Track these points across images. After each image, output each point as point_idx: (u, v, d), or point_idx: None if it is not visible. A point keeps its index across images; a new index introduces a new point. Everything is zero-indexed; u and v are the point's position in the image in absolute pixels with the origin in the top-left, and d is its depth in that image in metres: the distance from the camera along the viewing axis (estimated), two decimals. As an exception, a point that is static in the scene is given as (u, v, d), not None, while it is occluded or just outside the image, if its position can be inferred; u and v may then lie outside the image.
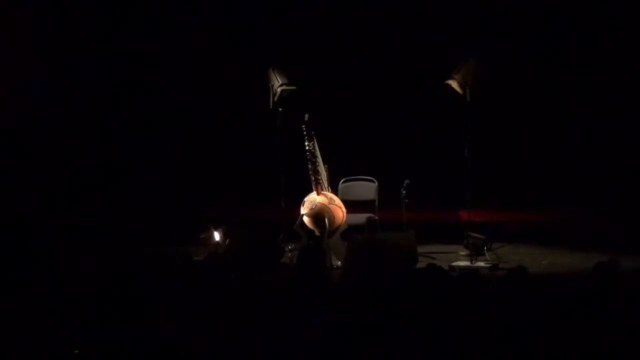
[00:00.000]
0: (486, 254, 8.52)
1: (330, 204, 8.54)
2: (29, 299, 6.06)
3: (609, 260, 5.07)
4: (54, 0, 10.35)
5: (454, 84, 9.04)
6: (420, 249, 8.56)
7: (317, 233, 8.50)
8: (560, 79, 9.86)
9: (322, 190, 8.57)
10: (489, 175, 9.63)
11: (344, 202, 8.77)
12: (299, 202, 8.64)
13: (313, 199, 8.55)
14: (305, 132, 8.37)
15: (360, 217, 9.00)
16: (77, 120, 10.42)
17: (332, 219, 8.50)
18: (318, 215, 8.49)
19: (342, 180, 9.36)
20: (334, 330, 4.66)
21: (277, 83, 9.21)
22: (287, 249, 8.62)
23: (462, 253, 8.77)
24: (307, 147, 8.39)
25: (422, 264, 7.94)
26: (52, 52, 10.30)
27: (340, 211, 8.58)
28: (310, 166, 8.44)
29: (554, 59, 9.85)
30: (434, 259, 8.59)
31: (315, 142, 8.45)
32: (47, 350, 4.91)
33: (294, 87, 9.24)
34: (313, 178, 8.48)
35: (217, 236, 9.00)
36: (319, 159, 8.51)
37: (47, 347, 4.94)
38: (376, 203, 9.25)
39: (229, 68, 10.36)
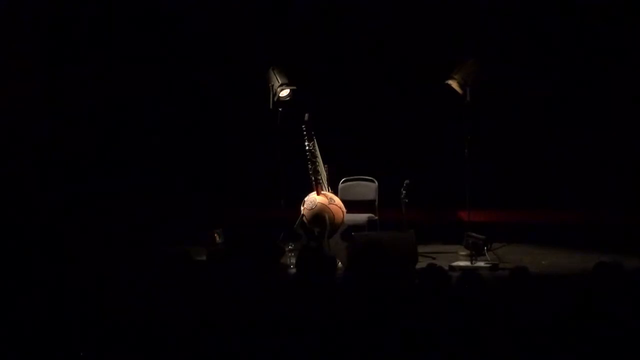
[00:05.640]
0: (486, 254, 8.52)
1: (330, 203, 8.55)
2: (28, 300, 6.05)
3: (612, 261, 5.07)
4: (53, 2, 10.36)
5: (454, 84, 9.04)
6: (420, 249, 8.56)
7: (316, 233, 8.50)
8: (560, 78, 9.86)
9: (322, 190, 8.58)
10: (489, 175, 9.64)
11: (344, 202, 8.77)
12: (299, 202, 8.64)
13: (313, 198, 8.55)
14: (305, 132, 8.37)
15: (360, 217, 9.00)
16: (77, 121, 10.42)
17: (332, 218, 8.50)
18: (318, 215, 8.49)
19: (342, 180, 9.37)
20: (334, 330, 4.66)
21: (277, 83, 9.22)
22: (287, 249, 8.62)
23: (462, 253, 8.77)
24: (307, 147, 8.39)
25: (422, 264, 7.94)
26: (53, 52, 10.32)
27: (340, 211, 8.58)
28: (310, 166, 8.44)
29: (554, 58, 9.85)
30: (434, 259, 8.59)
31: (315, 142, 8.45)
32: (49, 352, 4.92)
33: (294, 87, 9.25)
34: (313, 178, 8.48)
35: (217, 236, 9.00)
36: (319, 159, 8.51)
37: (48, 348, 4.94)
38: (376, 203, 9.26)
39: (229, 68, 10.36)
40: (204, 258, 8.15)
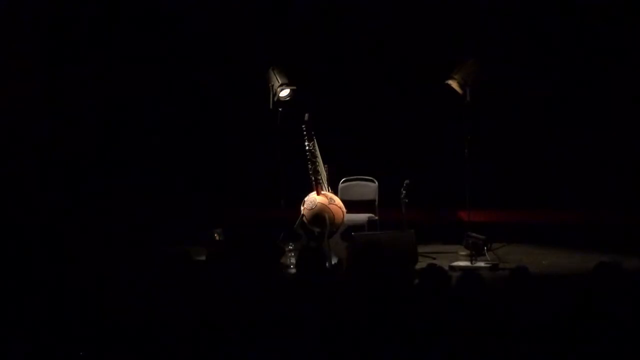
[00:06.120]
0: (486, 254, 8.52)
1: (330, 204, 8.54)
2: (28, 300, 6.06)
3: (612, 261, 5.07)
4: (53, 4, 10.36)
5: (454, 84, 9.03)
6: (420, 249, 8.56)
7: (316, 233, 8.51)
8: (560, 78, 9.85)
9: (322, 190, 8.58)
10: (489, 175, 9.64)
11: (344, 202, 8.77)
12: (299, 202, 8.64)
13: (313, 198, 8.55)
14: (305, 132, 8.37)
15: (360, 217, 9.00)
16: (77, 121, 10.42)
17: (332, 218, 8.50)
18: (318, 215, 8.49)
19: (342, 180, 9.36)
20: (334, 330, 4.66)
21: (277, 83, 9.22)
22: (287, 249, 8.62)
23: (462, 253, 8.77)
24: (307, 147, 8.39)
25: (422, 264, 7.94)
26: (53, 52, 10.31)
27: (340, 211, 8.58)
28: (310, 166, 8.44)
29: (554, 58, 9.85)
30: (434, 259, 8.59)
31: (315, 142, 8.45)
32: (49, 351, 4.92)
33: (294, 87, 9.25)
34: (313, 178, 8.48)
35: (217, 236, 8.99)
36: (319, 159, 8.51)
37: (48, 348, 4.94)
38: (376, 203, 9.25)
39: (229, 68, 10.36)
40: (204, 258, 8.15)
